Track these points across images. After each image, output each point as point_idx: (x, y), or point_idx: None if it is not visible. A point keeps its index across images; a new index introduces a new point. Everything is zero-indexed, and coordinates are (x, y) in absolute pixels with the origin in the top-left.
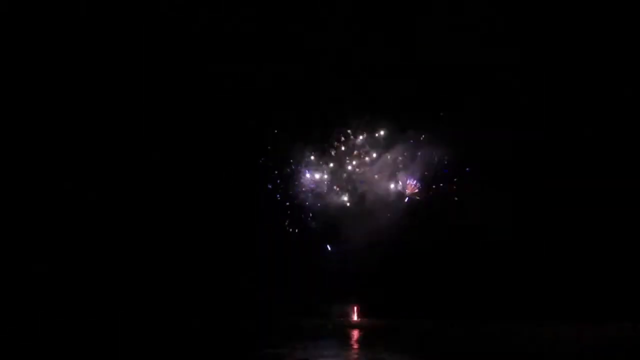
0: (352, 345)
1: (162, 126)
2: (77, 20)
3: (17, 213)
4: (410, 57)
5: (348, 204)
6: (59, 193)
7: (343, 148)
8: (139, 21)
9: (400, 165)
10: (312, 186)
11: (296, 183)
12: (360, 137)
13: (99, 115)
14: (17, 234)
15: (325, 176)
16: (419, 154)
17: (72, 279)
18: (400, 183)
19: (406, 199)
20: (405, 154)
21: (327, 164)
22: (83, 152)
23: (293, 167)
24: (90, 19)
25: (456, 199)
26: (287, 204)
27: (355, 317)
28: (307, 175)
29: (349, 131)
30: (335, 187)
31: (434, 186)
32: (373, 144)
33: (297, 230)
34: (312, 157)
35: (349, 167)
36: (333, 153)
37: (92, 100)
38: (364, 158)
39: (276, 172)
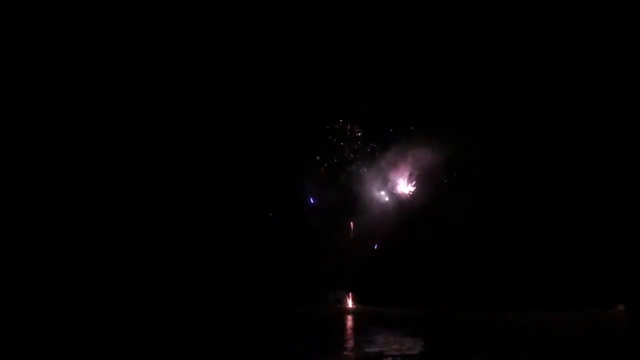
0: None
1: (164, 125)
2: (77, 20)
3: (17, 212)
4: (409, 56)
5: (346, 203)
6: (59, 191)
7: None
8: (138, 20)
9: (394, 165)
10: (313, 185)
11: (297, 181)
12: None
13: (98, 114)
14: (18, 232)
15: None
16: (412, 152)
17: (72, 277)
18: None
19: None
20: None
21: (327, 163)
22: (84, 152)
23: (294, 164)
24: (90, 18)
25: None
26: (289, 200)
27: (350, 304)
28: (308, 176)
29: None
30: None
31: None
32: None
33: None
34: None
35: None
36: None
37: (91, 99)
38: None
39: (276, 170)
